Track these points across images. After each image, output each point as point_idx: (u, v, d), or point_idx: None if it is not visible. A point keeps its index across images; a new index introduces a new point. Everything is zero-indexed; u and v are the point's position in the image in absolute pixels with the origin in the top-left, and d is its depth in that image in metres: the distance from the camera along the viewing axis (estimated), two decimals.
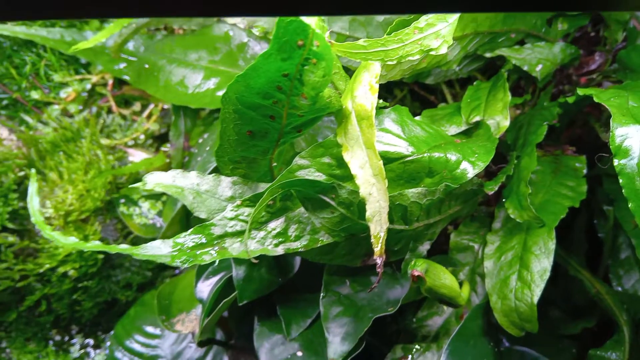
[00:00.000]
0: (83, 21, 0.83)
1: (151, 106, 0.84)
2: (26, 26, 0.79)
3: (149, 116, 0.84)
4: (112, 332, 0.81)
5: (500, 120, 0.58)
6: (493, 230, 0.61)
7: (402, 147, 0.50)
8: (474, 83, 0.65)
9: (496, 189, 0.55)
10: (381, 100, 0.51)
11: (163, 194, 0.80)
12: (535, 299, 0.52)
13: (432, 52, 0.45)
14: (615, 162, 0.47)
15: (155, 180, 0.52)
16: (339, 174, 0.50)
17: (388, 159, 0.49)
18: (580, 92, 0.53)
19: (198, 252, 0.48)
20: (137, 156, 0.80)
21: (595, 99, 0.51)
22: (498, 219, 0.61)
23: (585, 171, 0.62)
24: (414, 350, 0.58)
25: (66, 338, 0.82)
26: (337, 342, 0.54)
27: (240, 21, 0.60)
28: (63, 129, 0.79)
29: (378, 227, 0.44)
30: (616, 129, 0.47)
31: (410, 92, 0.74)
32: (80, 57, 0.85)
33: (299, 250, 0.50)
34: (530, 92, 0.71)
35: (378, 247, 0.43)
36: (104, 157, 0.79)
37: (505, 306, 0.55)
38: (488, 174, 0.66)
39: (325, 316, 0.56)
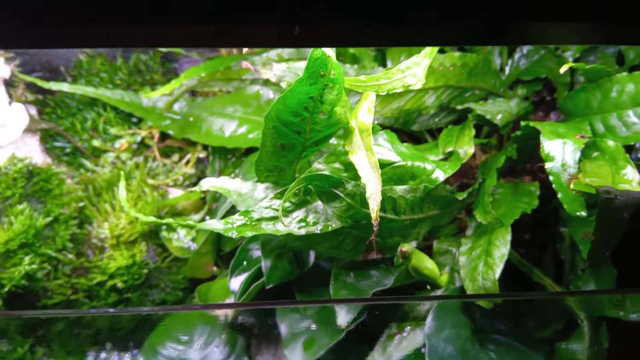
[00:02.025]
0: (139, 85, 1.09)
1: (188, 155, 1.08)
2: (94, 87, 1.05)
3: (187, 162, 1.07)
4: (144, 344, 0.97)
5: (467, 149, 0.81)
6: (466, 236, 0.81)
7: (392, 156, 0.72)
8: (449, 127, 0.89)
9: (465, 196, 0.77)
10: (376, 122, 0.75)
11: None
12: (497, 276, 0.72)
13: (411, 87, 0.69)
14: (546, 165, 0.70)
15: (210, 183, 0.74)
16: (345, 176, 0.72)
17: (382, 165, 0.71)
18: (523, 123, 0.77)
19: (242, 228, 0.69)
20: (176, 193, 1.02)
21: (533, 124, 0.74)
22: (470, 227, 0.82)
23: (538, 193, 0.84)
24: (406, 328, 0.76)
25: (103, 353, 0.98)
26: (343, 312, 0.73)
27: (272, 76, 0.86)
28: (117, 170, 1.02)
29: (374, 202, 0.65)
30: (544, 142, 0.70)
31: (398, 137, 0.98)
32: (133, 116, 1.10)
33: (316, 232, 0.71)
34: (496, 138, 0.95)
35: (374, 215, 0.64)
36: (150, 193, 1.01)
37: (475, 286, 0.74)
38: (461, 189, 0.88)
39: (335, 296, 0.75)
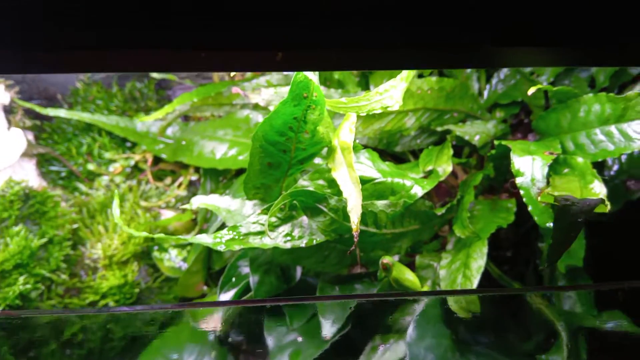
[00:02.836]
0: (134, 111, 1.15)
1: (181, 178, 1.13)
2: (90, 113, 1.10)
3: (179, 185, 1.12)
4: None
5: (445, 167, 0.86)
6: (446, 251, 0.86)
7: (373, 173, 0.77)
8: (429, 147, 0.94)
9: (444, 211, 0.82)
10: (357, 141, 0.80)
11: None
12: (474, 286, 0.76)
13: (389, 108, 0.75)
14: (517, 180, 0.75)
15: (200, 201, 0.79)
16: (329, 192, 0.76)
17: (363, 181, 0.76)
18: (496, 142, 0.83)
19: (231, 242, 0.73)
20: (168, 215, 1.07)
21: (505, 143, 0.80)
22: (450, 242, 0.87)
23: (515, 209, 0.89)
24: (390, 340, 0.80)
25: None
26: (328, 325, 0.76)
27: (261, 100, 0.91)
28: (111, 192, 1.07)
29: (355, 215, 0.69)
30: (514, 158, 0.76)
31: (382, 158, 1.03)
32: (127, 141, 1.15)
33: (301, 246, 0.75)
34: (475, 158, 1.01)
35: (354, 227, 0.69)
36: (143, 215, 1.05)
37: (455, 297, 0.78)
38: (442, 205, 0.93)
39: (320, 307, 0.78)
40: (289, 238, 0.75)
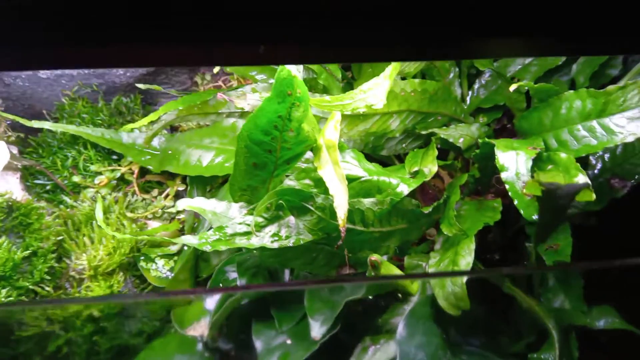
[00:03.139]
0: (120, 125, 1.14)
1: (168, 189, 1.12)
2: (75, 124, 1.10)
3: (166, 196, 1.11)
4: None
5: (431, 167, 0.86)
6: (435, 250, 0.85)
7: (358, 172, 0.77)
8: (414, 150, 0.95)
9: (430, 210, 0.82)
10: (343, 140, 0.80)
11: (175, 254, 1.04)
12: (464, 281, 0.75)
13: (373, 107, 0.75)
14: (502, 175, 0.75)
15: (186, 203, 0.78)
16: (316, 191, 0.76)
17: (349, 179, 0.76)
18: (481, 141, 0.83)
19: (216, 243, 0.72)
20: (155, 225, 1.06)
21: (489, 141, 0.80)
22: (438, 242, 0.86)
23: (501, 209, 0.89)
24: (380, 340, 0.79)
25: None
26: (317, 325, 0.75)
27: (246, 105, 0.92)
28: (97, 203, 1.05)
29: (342, 211, 0.69)
30: (498, 154, 0.76)
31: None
32: (112, 154, 1.14)
33: (289, 245, 0.74)
34: (460, 161, 1.01)
35: (341, 222, 0.68)
36: (129, 226, 1.04)
37: (444, 292, 0.77)
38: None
39: (309, 308, 0.77)
40: (276, 238, 0.75)
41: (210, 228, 0.86)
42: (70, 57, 0.52)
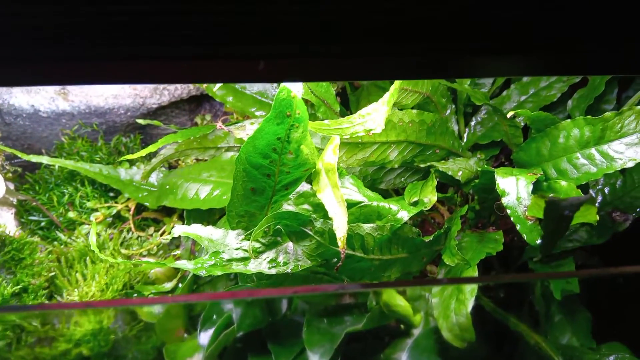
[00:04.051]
0: (118, 164, 1.13)
1: (164, 227, 1.09)
2: (74, 160, 1.08)
3: (162, 233, 1.08)
4: None
5: (430, 197, 0.85)
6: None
7: (358, 197, 0.75)
8: (413, 182, 0.93)
9: (431, 239, 0.79)
10: (342, 165, 0.79)
11: (169, 292, 1.00)
12: (469, 310, 0.72)
13: (372, 132, 0.74)
14: (503, 200, 0.73)
15: (181, 229, 0.76)
16: (314, 216, 0.74)
17: (348, 205, 0.74)
18: (479, 167, 0.82)
19: (212, 269, 0.69)
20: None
21: (488, 168, 0.79)
22: (440, 273, 0.83)
23: (503, 241, 0.87)
24: None
25: None
26: (316, 358, 0.71)
27: (244, 136, 0.91)
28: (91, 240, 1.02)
29: (341, 232, 0.67)
30: (498, 179, 0.75)
31: None
32: (109, 191, 1.13)
33: (287, 272, 0.71)
34: (460, 195, 0.99)
35: (341, 244, 0.66)
36: (123, 262, 1.01)
37: (448, 323, 0.74)
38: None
39: (307, 341, 0.73)
40: (273, 264, 0.72)
41: None
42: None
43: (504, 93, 1.07)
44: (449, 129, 0.97)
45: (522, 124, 1.04)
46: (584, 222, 0.69)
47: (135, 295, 0.97)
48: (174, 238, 1.08)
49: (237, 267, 0.70)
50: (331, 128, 0.73)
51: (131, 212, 1.09)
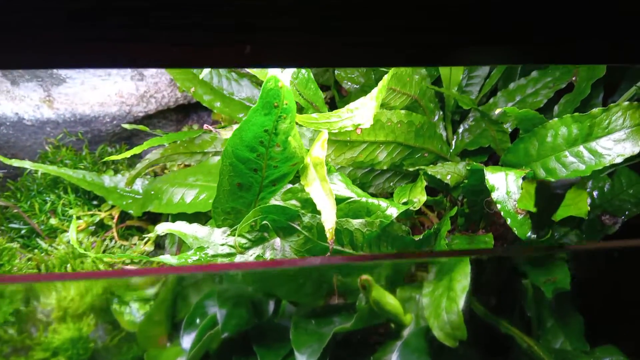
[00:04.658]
0: (102, 161, 1.11)
1: (148, 235, 1.06)
2: (57, 166, 1.06)
3: (146, 242, 1.05)
4: None
5: (420, 197, 0.83)
6: (428, 281, 0.80)
7: (346, 193, 0.74)
8: (402, 185, 0.92)
9: (421, 237, 0.77)
10: (331, 163, 0.77)
11: (151, 299, 0.96)
12: (460, 307, 0.70)
13: (360, 126, 0.73)
14: (492, 195, 0.72)
15: (165, 227, 0.73)
16: (302, 211, 0.72)
17: (338, 200, 0.72)
18: (468, 166, 0.81)
19: (197, 264, 0.67)
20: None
21: (477, 165, 0.78)
22: (431, 273, 0.81)
23: (493, 243, 0.85)
24: None
25: None
26: (304, 358, 0.68)
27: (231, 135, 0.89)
28: (72, 248, 0.99)
29: (329, 224, 0.65)
30: (488, 175, 0.74)
31: None
32: (93, 199, 1.10)
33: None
34: (449, 200, 0.98)
35: (329, 235, 0.64)
36: (105, 269, 0.97)
37: (439, 322, 0.71)
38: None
39: (294, 341, 0.70)
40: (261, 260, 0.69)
41: None
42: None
43: (491, 100, 1.07)
44: (437, 133, 0.96)
45: (510, 129, 1.04)
46: (576, 215, 0.68)
47: (115, 300, 0.94)
48: (157, 246, 1.05)
49: (222, 263, 0.68)
50: (319, 122, 0.72)
51: (115, 221, 1.07)
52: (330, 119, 0.72)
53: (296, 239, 0.68)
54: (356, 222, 0.71)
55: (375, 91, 0.74)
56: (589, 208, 0.64)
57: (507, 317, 0.91)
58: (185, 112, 1.25)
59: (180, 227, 0.74)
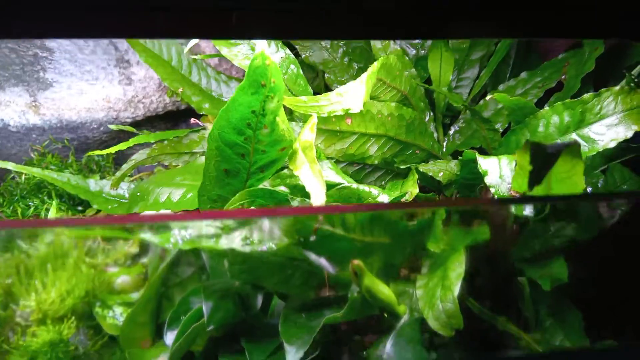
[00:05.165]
0: (88, 172, 1.08)
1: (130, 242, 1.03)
2: (41, 169, 1.03)
3: (131, 245, 1.02)
4: None
5: (412, 190, 0.81)
6: (422, 274, 0.77)
7: (337, 179, 0.72)
8: (394, 180, 0.90)
9: (415, 223, 0.75)
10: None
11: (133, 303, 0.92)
12: (455, 294, 0.67)
13: (350, 111, 0.72)
14: (485, 180, 0.70)
15: (149, 214, 0.70)
16: (291, 197, 0.70)
17: (328, 186, 0.70)
18: (460, 158, 0.79)
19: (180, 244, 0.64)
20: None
21: (469, 152, 0.77)
22: (425, 266, 0.78)
23: (488, 235, 0.83)
24: None
25: None
26: (293, 351, 0.65)
27: None
28: (53, 248, 0.96)
29: (319, 201, 0.62)
30: (480, 161, 0.72)
31: None
32: (78, 205, 1.07)
33: (263, 249, 0.66)
34: (441, 198, 0.96)
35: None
36: (87, 270, 0.94)
37: (434, 312, 0.68)
38: None
39: (283, 333, 0.67)
40: (247, 242, 0.66)
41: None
42: None
43: (481, 102, 1.06)
44: (428, 130, 0.95)
45: (501, 129, 1.03)
46: (571, 192, 0.66)
47: (98, 303, 0.90)
48: (142, 248, 1.01)
49: (207, 243, 0.65)
50: (308, 105, 0.70)
51: None
52: (320, 102, 0.71)
53: (285, 219, 0.66)
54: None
55: (365, 76, 0.73)
56: (585, 185, 0.62)
57: (505, 315, 0.88)
58: (174, 119, 1.24)
59: (165, 213, 0.71)
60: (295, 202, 0.66)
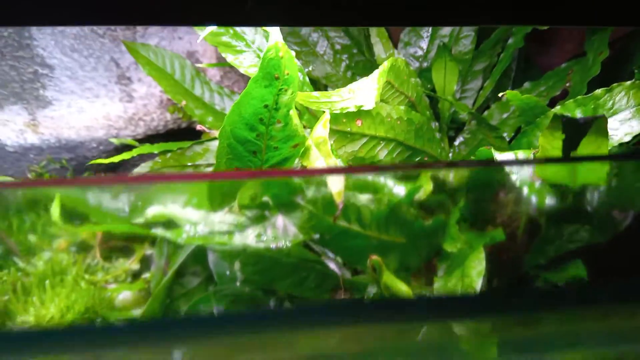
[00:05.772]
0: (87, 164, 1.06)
1: (133, 257, 1.00)
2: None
3: (132, 262, 0.98)
4: None
5: (426, 188, 0.80)
6: (438, 277, 0.75)
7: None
8: None
9: (430, 223, 0.73)
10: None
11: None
12: (477, 289, 0.64)
13: (363, 108, 0.71)
14: None
15: (156, 210, 0.68)
16: (306, 186, 0.68)
17: None
18: (479, 155, 0.79)
19: (192, 239, 0.61)
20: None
21: (484, 148, 0.76)
22: (441, 269, 0.76)
23: (503, 237, 0.81)
24: None
25: None
26: None
27: None
28: (52, 264, 0.92)
29: (337, 188, 0.61)
30: (496, 155, 0.71)
31: None
32: (77, 219, 1.04)
33: (279, 246, 0.64)
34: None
35: (337, 197, 0.60)
36: (86, 286, 0.90)
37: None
38: None
39: None
40: (262, 239, 0.64)
41: None
42: None
43: (485, 113, 1.07)
44: (435, 137, 0.95)
45: (508, 138, 1.03)
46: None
47: (99, 319, 0.86)
48: (143, 264, 0.98)
49: (221, 239, 0.62)
50: (320, 101, 0.70)
51: (98, 240, 1.00)
52: (332, 98, 0.70)
53: (300, 214, 0.64)
54: (363, 197, 0.67)
55: (376, 73, 0.73)
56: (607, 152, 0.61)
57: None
58: (175, 137, 1.22)
59: (174, 210, 0.69)
60: (311, 191, 0.64)
